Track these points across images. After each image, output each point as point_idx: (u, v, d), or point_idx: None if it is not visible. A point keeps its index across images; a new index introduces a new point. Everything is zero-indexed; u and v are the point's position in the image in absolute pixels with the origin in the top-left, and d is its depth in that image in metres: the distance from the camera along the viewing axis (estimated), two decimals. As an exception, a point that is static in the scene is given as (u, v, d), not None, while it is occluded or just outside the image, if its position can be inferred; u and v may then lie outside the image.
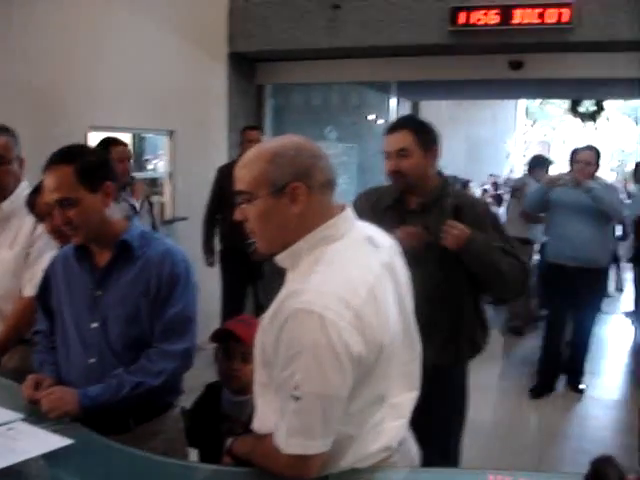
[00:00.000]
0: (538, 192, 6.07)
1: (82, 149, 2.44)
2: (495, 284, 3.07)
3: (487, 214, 3.21)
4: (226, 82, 7.64)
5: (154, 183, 7.85)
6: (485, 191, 13.96)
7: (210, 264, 6.22)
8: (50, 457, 1.95)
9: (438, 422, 3.00)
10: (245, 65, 7.87)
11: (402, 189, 3.09)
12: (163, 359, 2.33)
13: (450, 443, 3.27)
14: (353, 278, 1.73)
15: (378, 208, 3.05)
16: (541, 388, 6.02)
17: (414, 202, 3.11)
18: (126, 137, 7.02)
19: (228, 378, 2.59)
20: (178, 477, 1.99)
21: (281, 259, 1.85)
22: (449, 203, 3.06)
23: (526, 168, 8.70)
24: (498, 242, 3.05)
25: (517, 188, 7.89)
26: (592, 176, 5.70)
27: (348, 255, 1.79)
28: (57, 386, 2.26)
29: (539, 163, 8.08)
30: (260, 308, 6.26)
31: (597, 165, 5.79)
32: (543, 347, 6.21)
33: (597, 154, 5.78)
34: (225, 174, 6.11)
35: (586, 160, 5.69)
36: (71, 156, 2.31)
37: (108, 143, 5.03)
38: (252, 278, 6.26)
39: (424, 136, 3.05)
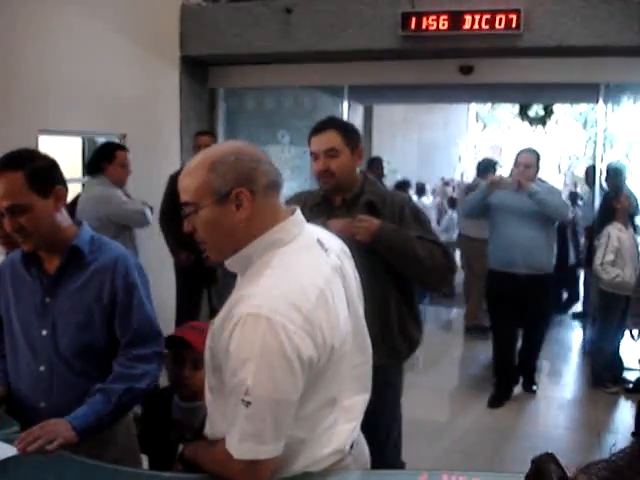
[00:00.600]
0: (479, 195, 5.95)
1: (31, 154, 2.39)
2: (416, 271, 3.09)
3: (406, 207, 3.20)
4: (178, 85, 7.59)
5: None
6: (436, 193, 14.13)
7: (185, 259, 6.08)
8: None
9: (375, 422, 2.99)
10: (197, 68, 7.83)
11: (331, 188, 3.14)
12: (141, 362, 2.33)
13: (389, 443, 3.27)
14: (303, 282, 1.73)
15: (306, 207, 3.03)
16: (499, 398, 5.87)
17: (338, 200, 3.17)
18: (76, 141, 6.94)
19: (178, 385, 2.58)
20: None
21: (230, 264, 1.85)
22: (364, 199, 3.12)
23: (476, 172, 8.79)
24: (416, 232, 3.08)
25: (471, 189, 7.97)
26: (532, 179, 5.63)
27: (298, 259, 1.80)
28: (45, 420, 2.14)
29: (488, 166, 8.17)
30: (215, 313, 6.21)
31: (537, 168, 5.71)
32: (496, 361, 6.08)
33: (537, 156, 5.71)
34: (177, 181, 6.07)
35: (526, 163, 5.62)
36: (20, 161, 2.27)
37: (112, 149, 5.11)
38: (207, 283, 6.23)
39: (351, 135, 3.11)
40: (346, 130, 3.12)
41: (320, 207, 3.15)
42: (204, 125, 7.78)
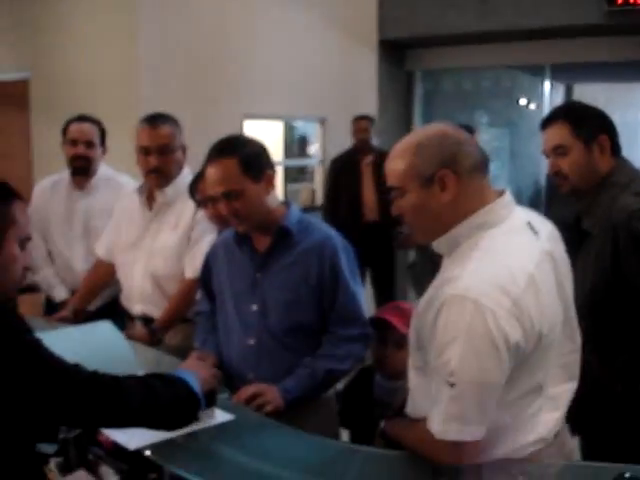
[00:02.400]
0: None
1: (243, 140, 2.50)
2: None
3: None
4: (376, 69, 7.66)
5: (303, 170, 7.99)
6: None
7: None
8: (210, 430, 2.05)
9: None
10: (395, 51, 7.86)
11: (566, 193, 2.62)
12: (346, 343, 2.41)
13: None
14: (512, 266, 1.70)
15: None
16: None
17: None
18: (278, 125, 7.19)
19: (381, 364, 2.62)
20: (331, 456, 2.03)
21: (438, 245, 1.85)
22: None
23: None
24: None
25: None
26: None
27: (507, 242, 1.77)
28: (258, 384, 2.34)
29: None
30: (380, 294, 6.25)
31: None
32: None
33: None
34: (338, 165, 6.15)
35: None
36: (233, 148, 2.37)
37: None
38: (371, 263, 6.17)
39: (584, 125, 2.52)
40: (578, 120, 2.53)
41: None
42: (402, 108, 7.80)
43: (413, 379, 1.92)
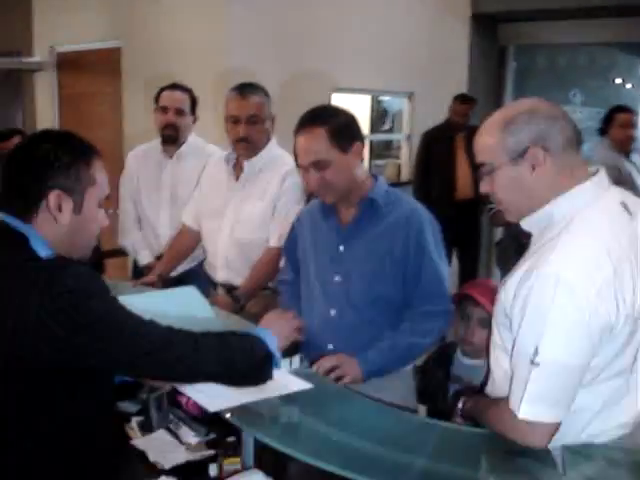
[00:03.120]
0: None
1: (333, 110, 2.50)
2: None
3: None
4: (467, 44, 7.52)
5: (389, 146, 7.94)
6: None
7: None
8: (289, 398, 2.05)
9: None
10: (488, 26, 7.69)
11: None
12: (428, 319, 2.39)
13: None
14: (604, 246, 1.65)
15: None
16: None
17: None
18: (365, 99, 7.15)
19: (463, 341, 2.59)
20: (408, 429, 2.02)
21: (527, 224, 1.81)
22: None
23: None
24: None
25: None
26: None
27: (599, 222, 1.72)
28: (338, 354, 2.35)
29: None
30: (465, 271, 6.15)
31: None
32: None
33: None
34: (430, 140, 6.05)
35: None
36: (323, 118, 2.37)
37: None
38: (458, 242, 6.09)
39: None
40: None
41: None
42: (492, 84, 7.64)
43: (494, 357, 1.89)
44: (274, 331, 1.97)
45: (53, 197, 1.64)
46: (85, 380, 1.65)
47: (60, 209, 1.66)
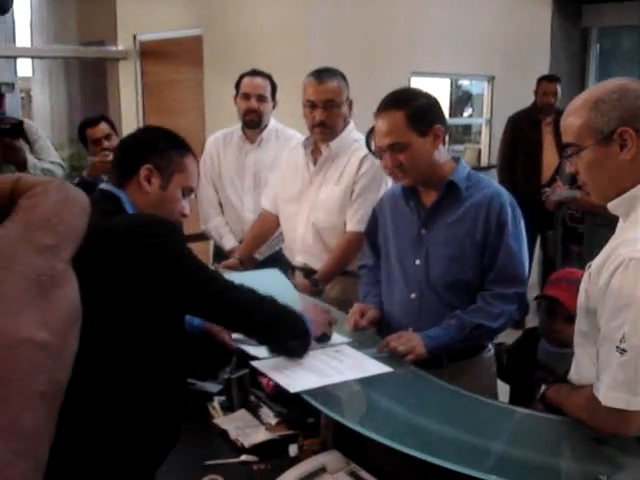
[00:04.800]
0: None
1: (413, 93, 2.50)
2: None
3: None
4: (549, 25, 7.35)
5: (468, 130, 7.84)
6: None
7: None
8: (368, 381, 2.07)
9: None
10: (570, 7, 7.50)
11: None
12: (500, 302, 2.36)
13: None
14: None
15: None
16: None
17: None
18: (444, 83, 7.08)
19: (549, 336, 2.54)
20: (486, 414, 2.01)
21: (613, 206, 1.77)
22: None
23: None
24: None
25: None
26: None
27: None
28: (403, 331, 2.35)
29: None
30: (549, 260, 6.02)
31: None
32: None
33: None
34: (516, 124, 5.93)
35: None
36: (402, 100, 2.38)
37: None
38: (541, 228, 5.97)
39: None
40: None
41: None
42: (575, 67, 7.46)
43: (578, 344, 1.86)
44: (311, 317, 2.12)
45: (144, 170, 1.93)
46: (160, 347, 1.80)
47: (149, 182, 1.94)
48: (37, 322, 0.37)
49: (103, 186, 2.01)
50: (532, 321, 4.09)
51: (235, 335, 2.30)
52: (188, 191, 2.02)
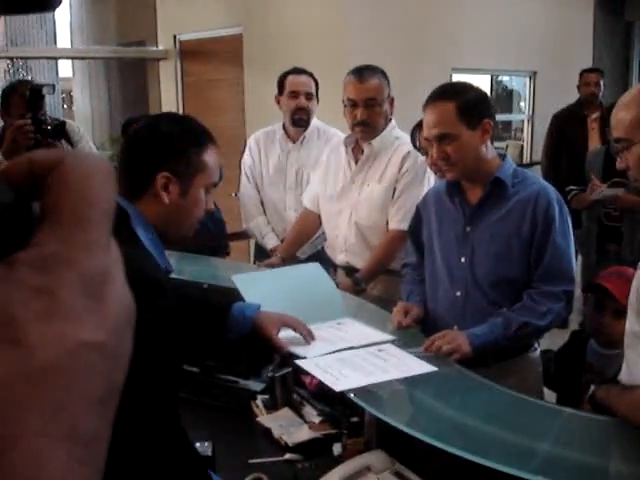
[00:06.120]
0: None
1: (464, 86, 2.49)
2: None
3: None
4: (592, 19, 7.25)
5: (509, 127, 7.77)
6: None
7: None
8: (413, 380, 2.06)
9: None
10: (613, 1, 7.38)
11: None
12: (547, 299, 2.33)
13: None
14: None
15: None
16: None
17: None
18: (485, 80, 7.02)
19: (597, 332, 2.51)
20: (532, 414, 1.99)
21: None
22: None
23: None
24: None
25: None
26: None
27: None
28: (447, 330, 2.33)
29: None
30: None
31: None
32: None
33: None
34: (561, 121, 5.84)
35: None
36: (453, 92, 2.38)
37: None
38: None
39: None
40: None
41: None
42: (619, 62, 7.34)
43: (629, 345, 1.82)
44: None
45: (161, 179, 1.69)
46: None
47: (167, 191, 1.70)
48: (94, 324, 0.37)
49: None
50: (575, 321, 4.06)
51: (282, 333, 2.18)
52: (211, 187, 1.81)
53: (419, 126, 2.91)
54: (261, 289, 2.48)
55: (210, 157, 1.77)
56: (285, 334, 2.17)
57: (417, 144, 3.05)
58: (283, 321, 2.15)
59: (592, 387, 2.00)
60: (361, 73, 3.13)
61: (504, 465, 1.58)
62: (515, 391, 2.07)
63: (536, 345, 2.51)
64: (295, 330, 2.18)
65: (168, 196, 1.70)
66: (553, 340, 2.80)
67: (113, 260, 0.40)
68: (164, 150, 1.71)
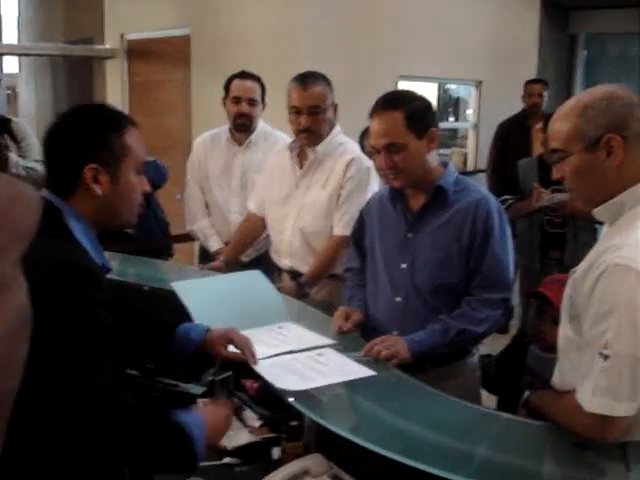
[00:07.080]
0: None
1: (410, 95, 2.50)
2: None
3: None
4: (537, 31, 7.39)
5: (454, 134, 7.86)
6: None
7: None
8: (352, 384, 2.07)
9: None
10: (558, 13, 7.55)
11: None
12: (485, 307, 2.36)
13: None
14: None
15: None
16: None
17: None
18: (432, 87, 7.10)
19: (538, 337, 2.55)
20: (470, 419, 2.01)
21: (599, 212, 1.78)
22: None
23: None
24: None
25: None
26: None
27: None
28: (387, 335, 2.34)
29: None
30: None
31: None
32: None
33: None
34: (506, 130, 5.94)
35: None
36: (400, 102, 2.38)
37: None
38: None
39: None
40: None
41: None
42: (562, 73, 7.50)
43: (562, 350, 1.87)
44: (209, 423, 1.71)
45: (88, 172, 1.66)
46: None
47: (98, 182, 1.67)
48: None
49: (45, 194, 1.65)
50: (515, 326, 4.13)
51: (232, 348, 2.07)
52: (140, 168, 1.76)
53: (367, 132, 2.93)
54: (201, 296, 2.47)
55: (132, 138, 1.73)
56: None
57: (365, 149, 3.06)
58: (228, 338, 2.04)
59: (526, 393, 2.03)
60: (305, 80, 3.12)
61: (441, 469, 1.60)
62: (453, 395, 2.09)
63: (474, 350, 2.55)
64: (240, 350, 2.06)
65: (100, 187, 1.67)
66: (492, 345, 2.84)
67: (16, 275, 0.39)
68: (84, 143, 1.68)
